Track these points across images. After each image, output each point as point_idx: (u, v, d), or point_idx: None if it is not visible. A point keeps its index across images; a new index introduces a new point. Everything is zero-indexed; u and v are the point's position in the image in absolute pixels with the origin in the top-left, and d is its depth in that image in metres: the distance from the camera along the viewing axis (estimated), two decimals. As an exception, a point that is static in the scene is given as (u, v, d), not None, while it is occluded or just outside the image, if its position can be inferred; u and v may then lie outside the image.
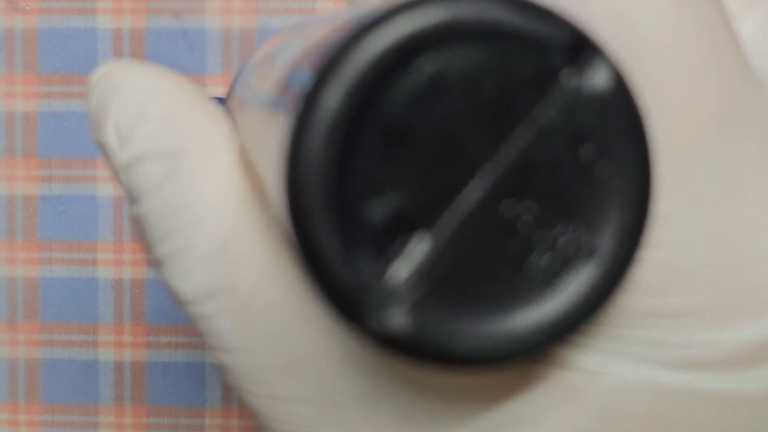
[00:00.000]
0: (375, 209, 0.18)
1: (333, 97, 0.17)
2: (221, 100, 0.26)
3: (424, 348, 0.18)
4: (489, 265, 0.18)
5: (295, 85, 0.19)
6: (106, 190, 0.49)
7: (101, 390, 0.49)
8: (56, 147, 0.49)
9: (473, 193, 0.18)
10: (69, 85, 0.49)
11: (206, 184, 0.22)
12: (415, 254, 0.18)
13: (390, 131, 0.18)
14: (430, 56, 0.18)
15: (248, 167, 0.22)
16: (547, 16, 0.18)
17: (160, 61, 0.49)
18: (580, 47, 0.18)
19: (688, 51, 0.19)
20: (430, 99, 0.18)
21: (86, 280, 0.49)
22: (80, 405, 0.49)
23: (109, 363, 0.49)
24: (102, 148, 0.23)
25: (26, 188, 0.49)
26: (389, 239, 0.18)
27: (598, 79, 0.18)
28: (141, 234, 0.22)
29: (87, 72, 0.49)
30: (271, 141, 0.19)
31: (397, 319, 0.18)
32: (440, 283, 0.18)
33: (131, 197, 0.22)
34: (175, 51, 0.49)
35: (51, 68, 0.49)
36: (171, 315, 0.49)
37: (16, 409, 0.50)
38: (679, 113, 0.19)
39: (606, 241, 0.18)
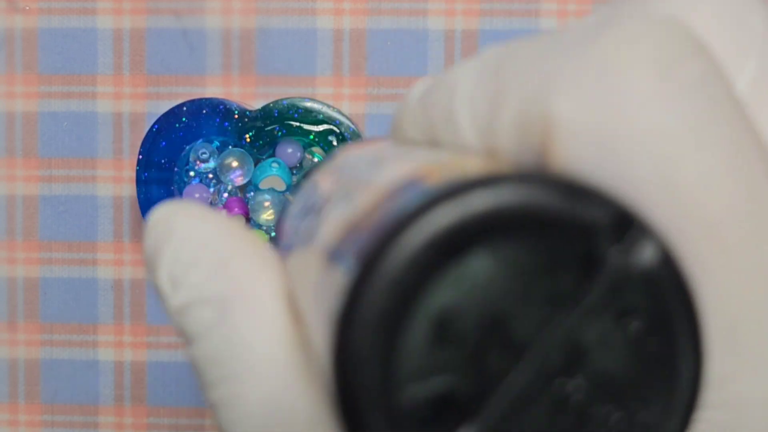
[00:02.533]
0: (421, 395, 0.18)
1: (376, 293, 0.17)
2: (273, 240, 0.26)
3: None
4: None
5: (340, 261, 0.19)
6: (106, 190, 0.49)
7: (101, 390, 0.49)
8: (56, 147, 0.49)
9: (521, 375, 0.18)
10: (69, 85, 0.49)
11: (256, 331, 0.22)
12: None
13: (437, 319, 0.18)
14: (474, 246, 0.18)
15: (297, 313, 0.22)
16: (590, 195, 0.18)
17: (160, 61, 0.49)
18: (625, 225, 0.18)
19: (739, 221, 0.19)
20: (475, 286, 0.18)
21: (86, 280, 0.49)
22: (80, 405, 0.49)
23: (109, 363, 0.49)
24: (156, 290, 0.23)
25: (26, 188, 0.49)
26: (436, 426, 0.18)
27: (644, 256, 0.18)
28: (195, 373, 0.23)
29: (87, 72, 0.49)
30: (322, 297, 0.19)
31: None
32: None
33: (185, 340, 0.23)
34: (175, 51, 0.49)
35: (51, 68, 0.49)
36: (171, 315, 0.49)
37: (16, 409, 0.50)
38: (730, 282, 0.19)
39: (659, 418, 0.18)
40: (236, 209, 0.47)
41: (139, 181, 0.47)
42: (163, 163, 0.47)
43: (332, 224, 0.20)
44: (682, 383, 0.18)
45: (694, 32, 0.19)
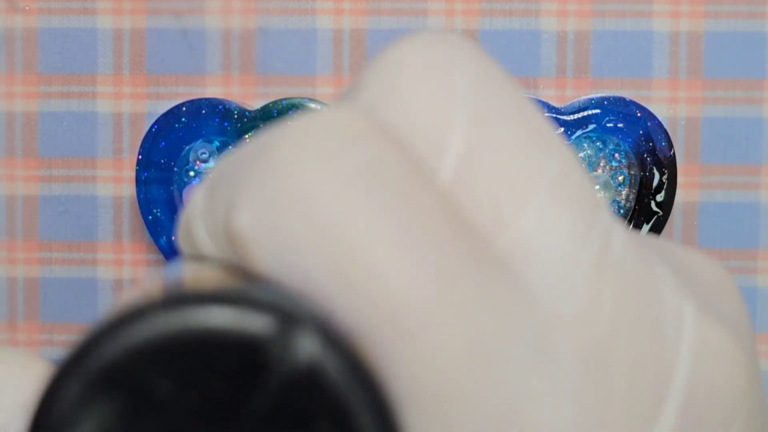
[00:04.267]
0: None
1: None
2: None
3: None
4: None
5: None
6: (106, 190, 0.49)
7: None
8: (56, 147, 0.49)
9: None
10: (69, 85, 0.49)
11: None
12: None
13: None
14: (132, 377, 0.18)
15: None
16: (255, 306, 0.18)
17: (160, 61, 0.49)
18: (286, 323, 0.18)
19: (418, 305, 0.19)
20: (139, 417, 0.18)
21: (86, 280, 0.49)
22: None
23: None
24: None
25: (26, 188, 0.49)
26: None
27: (305, 350, 0.18)
28: None
29: (87, 72, 0.49)
30: None
31: None
32: None
33: None
34: (175, 51, 0.49)
35: (51, 68, 0.49)
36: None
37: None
38: (433, 364, 0.19)
39: None
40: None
41: (139, 181, 0.47)
42: (163, 163, 0.47)
43: None
44: None
45: (365, 120, 0.20)
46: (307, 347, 0.18)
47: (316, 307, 0.18)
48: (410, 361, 0.19)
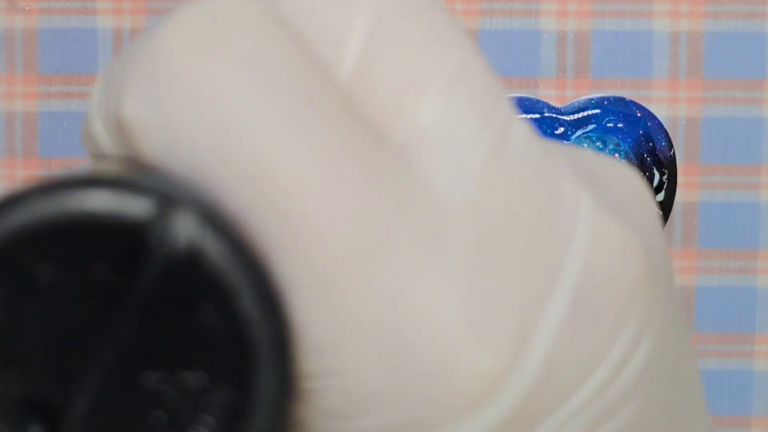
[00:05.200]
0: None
1: None
2: None
3: None
4: None
5: None
6: (106, 190, 0.49)
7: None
8: (56, 147, 0.49)
9: (99, 377, 0.18)
10: (69, 85, 0.49)
11: None
12: None
13: None
14: (12, 261, 0.17)
15: None
16: (136, 189, 0.18)
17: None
18: (164, 205, 0.18)
19: (303, 181, 0.19)
20: (22, 303, 0.18)
21: (86, 280, 0.49)
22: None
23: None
24: None
25: (26, 188, 0.49)
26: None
27: (184, 232, 0.18)
28: None
29: (87, 72, 0.49)
30: None
31: None
32: None
33: None
34: (175, 51, 0.49)
35: (51, 68, 0.49)
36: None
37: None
38: (316, 245, 0.19)
39: (240, 395, 0.18)
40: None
41: (139, 181, 0.47)
42: (163, 163, 0.48)
43: None
44: (262, 357, 0.18)
45: (259, 7, 0.19)
46: (185, 228, 0.18)
47: (198, 192, 0.18)
48: (293, 246, 0.19)
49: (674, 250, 0.49)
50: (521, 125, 0.20)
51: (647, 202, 0.22)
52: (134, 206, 0.18)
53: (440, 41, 0.20)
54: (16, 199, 0.18)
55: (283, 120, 0.19)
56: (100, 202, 0.18)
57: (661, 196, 0.47)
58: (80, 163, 0.52)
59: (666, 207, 0.48)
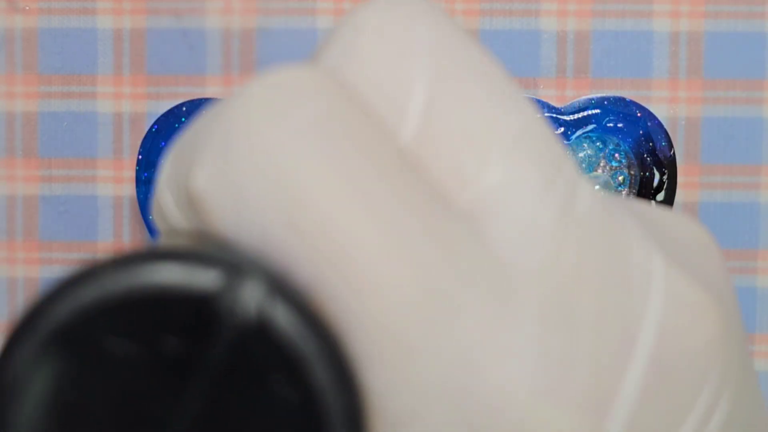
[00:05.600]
0: None
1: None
2: None
3: None
4: None
5: None
6: (106, 190, 0.49)
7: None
8: (56, 147, 0.49)
9: None
10: (69, 85, 0.49)
11: None
12: None
13: (60, 412, 0.18)
14: (84, 336, 0.18)
15: None
16: (194, 258, 0.18)
17: (160, 61, 0.49)
18: (233, 275, 0.18)
19: (370, 248, 0.19)
20: (92, 376, 0.18)
21: (86, 280, 0.49)
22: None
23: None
24: None
25: (26, 188, 0.49)
26: None
27: (253, 301, 0.18)
28: None
29: (87, 72, 0.49)
30: None
31: None
32: None
33: None
34: (175, 51, 0.49)
35: (51, 68, 0.49)
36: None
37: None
38: (385, 312, 0.18)
39: None
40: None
41: (139, 181, 0.47)
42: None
43: None
44: (335, 427, 0.18)
45: (323, 76, 0.19)
46: (255, 297, 0.18)
47: (268, 262, 0.18)
48: (363, 314, 0.18)
49: (674, 250, 0.49)
50: (586, 185, 0.20)
51: (716, 255, 0.22)
52: (203, 277, 0.18)
53: (499, 100, 0.20)
54: (88, 274, 0.18)
55: (351, 188, 0.19)
56: (169, 274, 0.18)
57: (661, 196, 0.48)
58: (80, 163, 0.52)
59: (666, 207, 0.48)
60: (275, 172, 0.19)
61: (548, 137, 0.20)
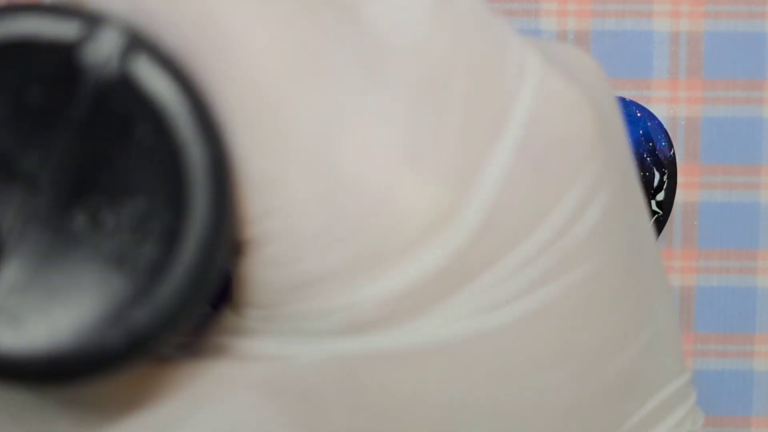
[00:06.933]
0: None
1: None
2: None
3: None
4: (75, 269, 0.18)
5: None
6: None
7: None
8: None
9: (39, 208, 0.18)
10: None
11: None
12: None
13: None
14: None
15: None
16: (55, 11, 0.18)
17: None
18: (93, 25, 0.18)
19: (237, 12, 0.19)
20: None
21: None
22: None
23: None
24: None
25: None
26: None
27: (113, 50, 0.18)
28: None
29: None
30: None
31: None
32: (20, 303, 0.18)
33: None
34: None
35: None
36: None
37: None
38: (248, 70, 0.19)
39: (176, 219, 0.18)
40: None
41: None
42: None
43: None
44: (198, 177, 0.18)
45: None
46: (115, 46, 0.18)
47: (132, 20, 0.18)
48: (230, 73, 0.19)
49: (674, 250, 0.49)
50: None
51: (602, 78, 0.22)
52: (63, 27, 0.18)
53: None
54: None
55: None
56: (29, 24, 0.18)
57: (661, 196, 0.48)
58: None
59: (666, 207, 0.48)
60: None
61: None
